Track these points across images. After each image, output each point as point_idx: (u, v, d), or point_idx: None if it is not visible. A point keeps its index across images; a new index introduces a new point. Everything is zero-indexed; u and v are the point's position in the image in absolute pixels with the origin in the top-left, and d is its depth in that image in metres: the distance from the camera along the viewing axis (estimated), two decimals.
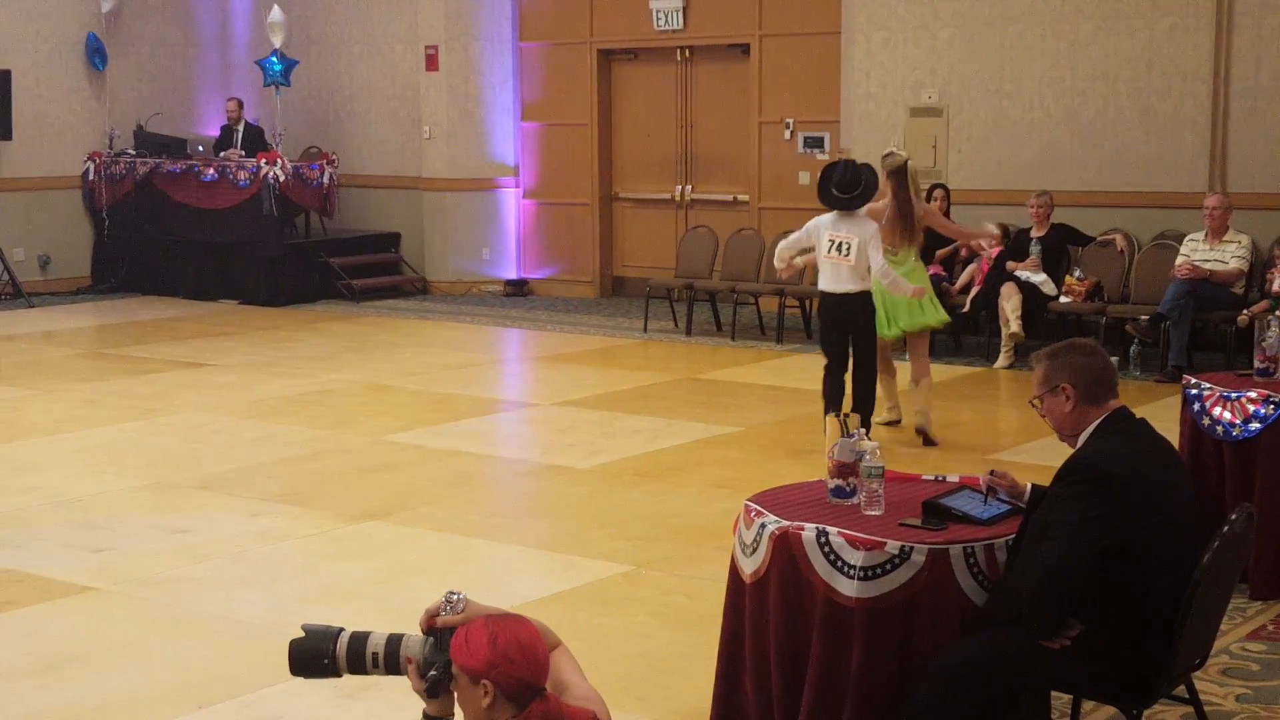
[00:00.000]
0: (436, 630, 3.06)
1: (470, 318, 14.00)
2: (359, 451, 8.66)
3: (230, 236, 15.06)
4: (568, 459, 8.51)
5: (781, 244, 8.79)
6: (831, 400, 8.38)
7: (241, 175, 14.96)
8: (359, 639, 3.09)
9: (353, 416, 9.61)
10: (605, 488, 7.87)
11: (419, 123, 15.65)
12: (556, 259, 15.62)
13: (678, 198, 14.83)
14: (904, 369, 9.06)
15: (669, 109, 14.84)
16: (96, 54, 15.67)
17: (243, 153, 15.32)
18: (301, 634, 3.11)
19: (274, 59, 15.44)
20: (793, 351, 12.03)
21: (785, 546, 4.17)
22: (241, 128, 15.63)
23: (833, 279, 8.31)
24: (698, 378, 10.98)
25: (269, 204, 14.79)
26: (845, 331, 8.46)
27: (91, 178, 15.66)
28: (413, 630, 3.13)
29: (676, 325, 13.09)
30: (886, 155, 8.78)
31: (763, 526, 4.25)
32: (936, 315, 8.82)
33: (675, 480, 8.04)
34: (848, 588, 4.05)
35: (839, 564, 4.07)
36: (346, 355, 11.96)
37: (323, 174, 15.25)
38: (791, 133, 14.02)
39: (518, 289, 15.52)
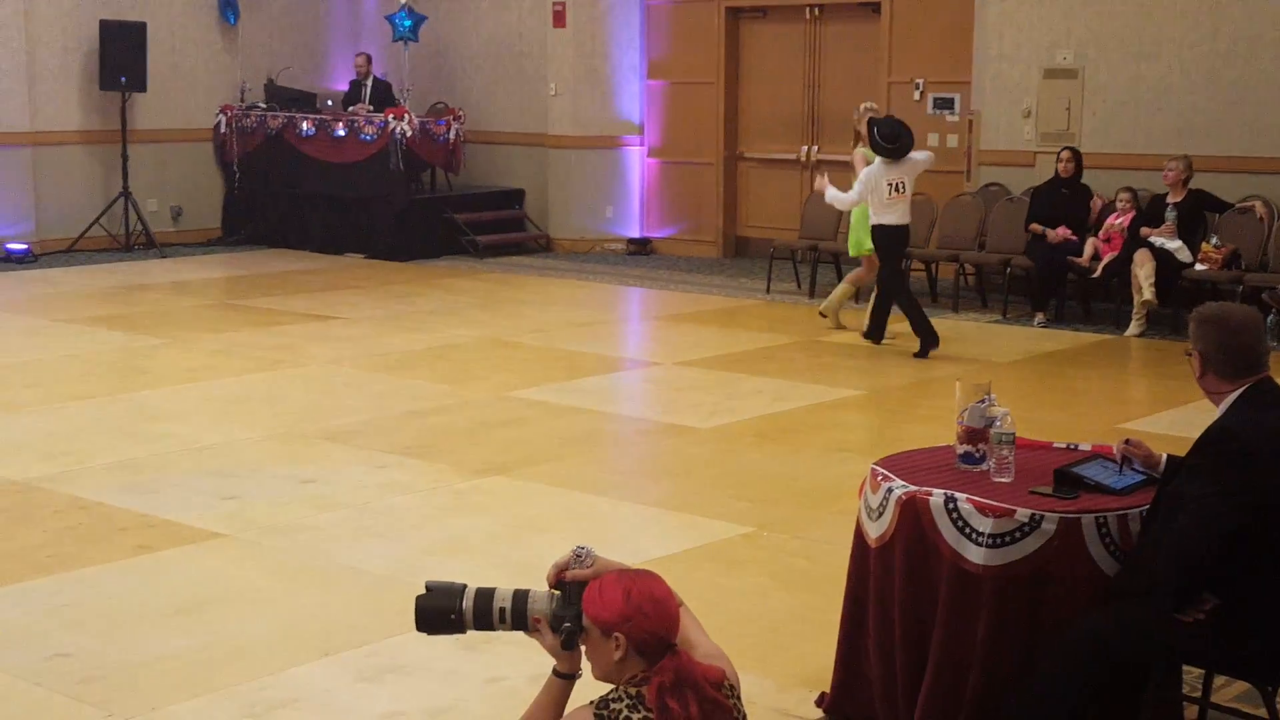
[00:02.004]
0: (565, 584, 3.06)
1: (593, 276, 14.02)
2: (482, 406, 8.72)
3: (357, 191, 15.23)
4: (689, 419, 8.50)
5: (849, 198, 10.24)
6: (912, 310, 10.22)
7: (369, 130, 15.10)
8: (485, 595, 3.09)
9: (476, 372, 9.68)
10: (726, 448, 7.85)
11: (545, 79, 15.67)
12: (680, 218, 15.58)
13: (803, 158, 14.69)
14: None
15: (796, 68, 14.70)
16: (229, 8, 15.89)
17: (371, 108, 15.46)
18: (425, 591, 3.12)
19: (403, 14, 15.55)
20: None
21: (912, 512, 4.12)
22: (370, 83, 15.77)
23: (895, 214, 10.06)
24: (820, 340, 10.90)
25: (396, 159, 14.93)
26: (902, 256, 10.51)
27: (223, 130, 15.91)
28: (536, 585, 3.14)
29: (799, 287, 13.00)
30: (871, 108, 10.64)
31: (889, 491, 4.21)
32: None
33: (797, 442, 7.99)
34: (976, 555, 3.99)
35: (967, 531, 4.02)
36: (470, 311, 12.05)
37: (449, 130, 15.34)
38: (921, 93, 13.81)
39: (640, 248, 15.51)
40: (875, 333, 10.49)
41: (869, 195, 10.09)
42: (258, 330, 11.07)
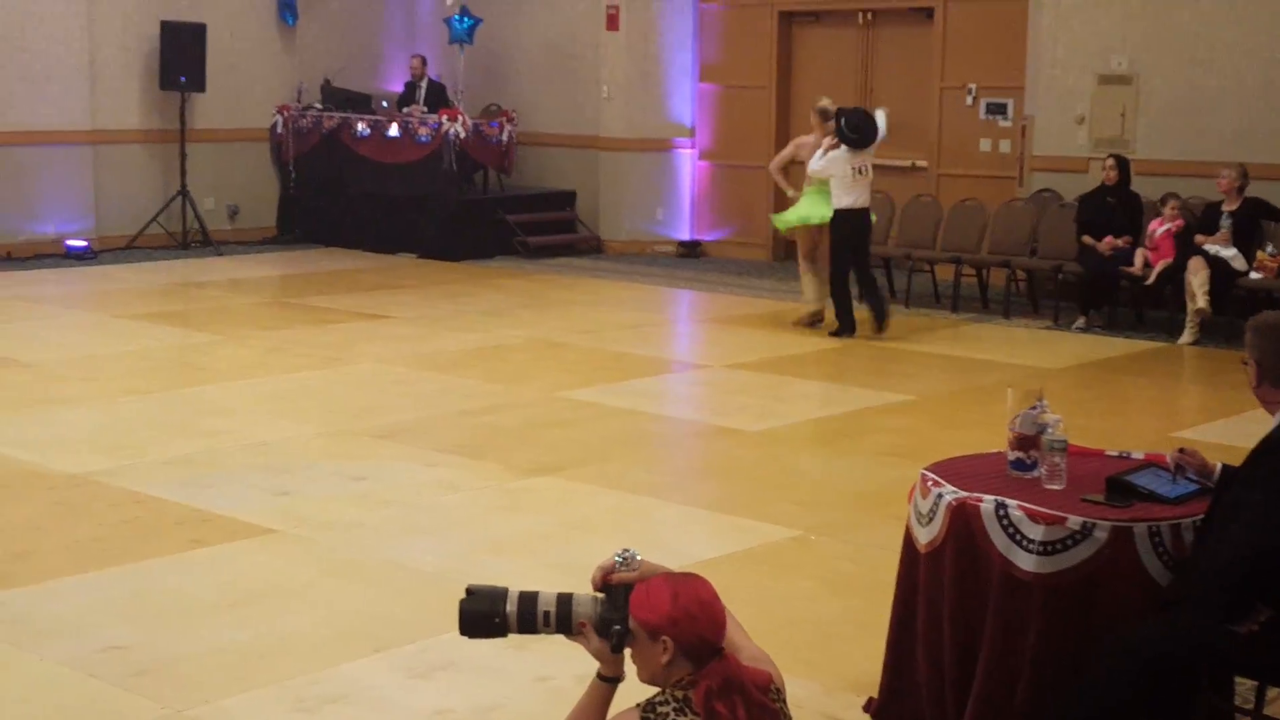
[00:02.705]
0: (611, 587, 3.07)
1: (643, 277, 14.05)
2: (532, 406, 8.76)
3: (411, 191, 15.31)
4: (738, 421, 8.51)
5: (814, 166, 11.01)
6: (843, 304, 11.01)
7: (423, 131, 15.19)
8: (529, 599, 3.09)
9: (527, 372, 9.73)
10: (775, 451, 7.86)
11: (598, 82, 15.71)
12: (730, 221, 15.58)
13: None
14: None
15: (849, 73, 14.67)
16: (287, 9, 16.02)
17: (425, 109, 15.55)
18: (466, 595, 3.13)
19: (459, 17, 15.62)
20: (968, 321, 11.85)
21: (962, 518, 4.11)
22: (424, 84, 15.86)
23: (854, 196, 10.89)
24: (870, 344, 10.88)
25: (449, 160, 15.01)
26: (863, 240, 11.05)
27: (279, 130, 16.04)
28: (584, 586, 3.15)
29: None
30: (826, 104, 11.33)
31: (940, 496, 4.20)
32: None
33: (845, 446, 7.99)
34: (1026, 562, 3.98)
35: (1018, 538, 4.01)
36: (521, 311, 12.10)
37: (502, 131, 15.41)
38: (974, 99, 13.77)
39: (691, 250, 15.53)
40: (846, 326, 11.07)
41: (833, 177, 10.89)
42: (311, 328, 11.16)
